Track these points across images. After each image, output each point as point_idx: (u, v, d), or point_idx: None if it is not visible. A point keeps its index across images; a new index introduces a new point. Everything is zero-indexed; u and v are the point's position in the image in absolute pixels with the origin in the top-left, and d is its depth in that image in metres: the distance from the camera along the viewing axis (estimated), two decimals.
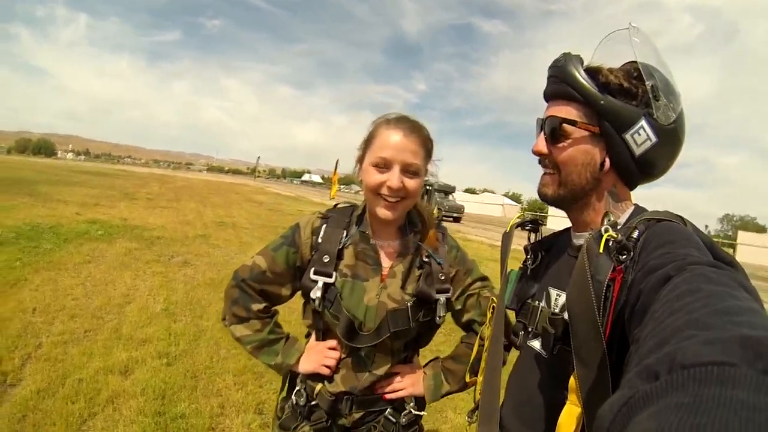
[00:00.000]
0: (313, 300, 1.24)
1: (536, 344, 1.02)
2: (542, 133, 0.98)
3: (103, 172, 32.04)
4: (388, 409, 1.34)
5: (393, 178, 1.18)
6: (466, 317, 1.39)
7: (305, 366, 1.32)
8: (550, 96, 0.99)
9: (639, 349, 0.47)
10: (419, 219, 1.38)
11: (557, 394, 0.90)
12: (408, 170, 1.20)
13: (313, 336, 1.37)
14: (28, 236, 7.23)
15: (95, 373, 3.15)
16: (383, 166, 1.18)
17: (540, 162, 1.01)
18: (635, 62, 0.89)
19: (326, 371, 1.29)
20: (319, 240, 1.29)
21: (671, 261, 0.64)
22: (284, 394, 1.41)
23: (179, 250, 7.74)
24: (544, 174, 1.00)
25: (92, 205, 12.10)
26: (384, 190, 1.19)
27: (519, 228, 1.17)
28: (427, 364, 1.43)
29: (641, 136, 0.87)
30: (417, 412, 1.38)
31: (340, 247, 1.28)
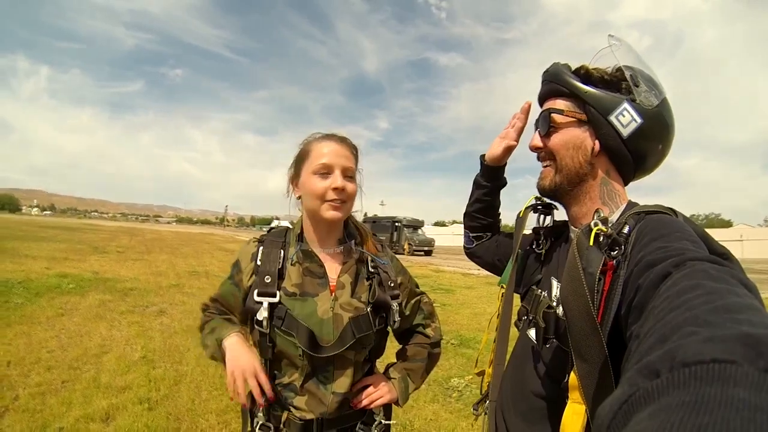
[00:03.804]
0: (260, 322, 1.23)
1: (532, 334, 1.04)
2: (536, 130, 1.06)
3: (71, 226, 31.35)
4: (359, 424, 1.35)
5: (336, 179, 1.25)
6: (413, 322, 1.49)
7: (230, 355, 1.24)
8: (542, 97, 1.06)
9: (639, 345, 0.48)
10: (356, 231, 1.43)
11: (553, 391, 0.93)
12: (346, 174, 1.27)
13: (255, 351, 1.31)
14: None
15: (75, 421, 3.13)
16: (325, 171, 1.25)
17: (538, 158, 1.08)
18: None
19: (234, 389, 1.22)
20: (258, 263, 1.31)
21: (669, 256, 0.64)
22: (249, 429, 1.34)
23: (154, 300, 7.67)
24: (543, 169, 1.06)
25: (61, 259, 11.86)
26: (330, 194, 1.24)
27: (532, 211, 1.21)
28: (386, 371, 1.46)
29: (626, 117, 0.91)
30: (386, 422, 1.42)
31: (280, 266, 1.29)
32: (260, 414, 1.29)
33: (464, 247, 1.54)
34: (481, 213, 1.41)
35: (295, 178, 1.35)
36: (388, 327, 1.38)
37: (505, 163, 1.34)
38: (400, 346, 1.55)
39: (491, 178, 1.36)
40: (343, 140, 1.32)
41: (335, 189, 1.24)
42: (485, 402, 1.23)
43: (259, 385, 1.22)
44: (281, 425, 1.28)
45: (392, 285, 1.37)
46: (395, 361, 1.51)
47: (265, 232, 1.43)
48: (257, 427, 1.29)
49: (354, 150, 1.35)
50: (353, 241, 1.39)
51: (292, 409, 1.27)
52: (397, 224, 31.29)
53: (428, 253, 28.63)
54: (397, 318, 1.35)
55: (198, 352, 4.73)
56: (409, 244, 29.85)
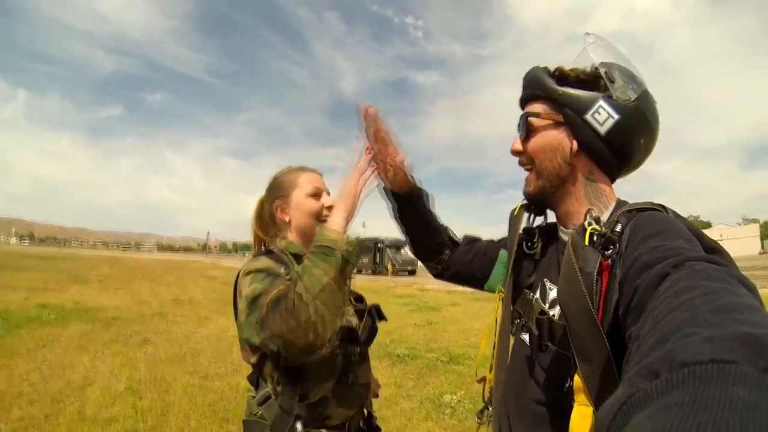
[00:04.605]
0: None
1: (526, 338, 1.01)
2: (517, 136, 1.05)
3: (50, 255, 30.72)
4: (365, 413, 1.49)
5: (327, 199, 1.48)
6: None
7: (344, 194, 1.22)
8: (522, 102, 1.06)
9: (639, 346, 0.48)
10: None
11: (554, 396, 0.92)
12: (329, 195, 1.51)
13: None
14: None
15: None
16: (317, 194, 1.46)
17: (519, 163, 1.07)
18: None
19: (368, 171, 1.25)
20: (284, 272, 1.30)
21: (667, 256, 0.63)
22: None
23: (138, 329, 7.52)
24: (527, 175, 1.06)
25: (41, 290, 11.60)
26: (324, 212, 1.44)
27: (525, 210, 1.17)
28: None
29: (602, 115, 0.90)
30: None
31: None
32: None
33: (433, 275, 1.43)
34: (420, 238, 1.37)
35: (282, 204, 1.47)
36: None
37: (407, 185, 1.30)
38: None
39: (395, 201, 1.33)
40: (315, 170, 1.56)
41: (328, 207, 1.44)
42: (488, 410, 1.20)
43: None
44: None
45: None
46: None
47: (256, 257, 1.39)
48: None
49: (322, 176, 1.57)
50: None
51: (326, 420, 1.30)
52: (379, 245, 31.24)
53: (412, 272, 28.55)
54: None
55: (185, 381, 4.67)
56: (392, 264, 29.78)
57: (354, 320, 1.41)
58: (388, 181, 1.30)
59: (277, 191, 1.49)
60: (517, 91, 1.07)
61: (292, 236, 1.46)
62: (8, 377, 4.61)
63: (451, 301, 12.34)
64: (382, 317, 1.54)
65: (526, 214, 1.15)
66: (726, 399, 0.29)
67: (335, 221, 1.19)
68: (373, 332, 1.47)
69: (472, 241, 1.38)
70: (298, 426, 1.22)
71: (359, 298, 1.56)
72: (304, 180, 1.48)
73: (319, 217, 1.44)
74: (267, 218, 1.51)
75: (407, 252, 32.44)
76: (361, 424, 1.44)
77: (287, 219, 1.46)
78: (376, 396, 1.58)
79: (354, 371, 1.39)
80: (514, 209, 1.19)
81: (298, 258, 1.36)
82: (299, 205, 1.45)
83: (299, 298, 1.07)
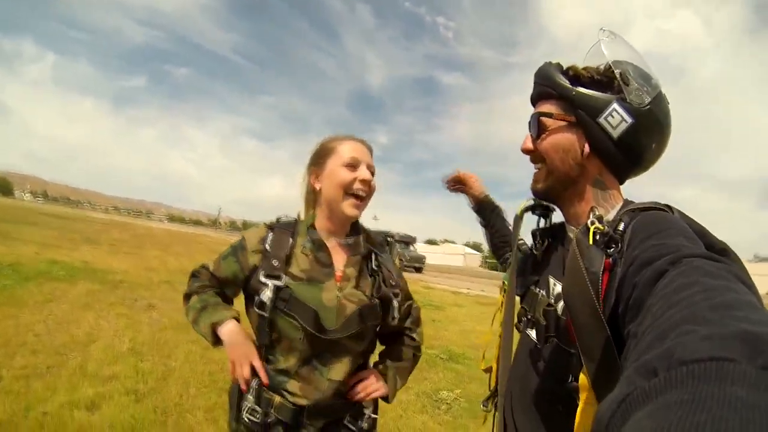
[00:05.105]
0: (262, 304, 1.25)
1: (533, 334, 1.04)
2: (528, 134, 1.05)
3: (63, 215, 31.12)
4: (347, 417, 1.37)
5: (363, 172, 1.35)
6: (403, 324, 1.53)
7: (230, 343, 1.30)
8: (534, 99, 1.06)
9: (637, 344, 0.48)
10: (363, 230, 1.48)
11: (556, 390, 0.93)
12: (369, 170, 1.38)
13: (250, 334, 1.35)
14: None
15: (60, 407, 3.07)
16: (353, 165, 1.34)
17: (530, 161, 1.07)
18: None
19: (241, 374, 1.28)
20: (267, 247, 1.34)
21: (665, 253, 0.63)
22: (234, 413, 1.36)
23: (144, 294, 7.57)
24: (535, 172, 1.06)
25: (53, 246, 11.71)
26: (357, 185, 1.33)
27: (529, 212, 1.21)
28: (376, 367, 1.50)
29: (615, 118, 0.90)
30: (375, 416, 1.45)
31: (288, 253, 1.33)
32: (250, 397, 1.30)
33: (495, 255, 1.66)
34: (498, 240, 1.60)
35: (317, 171, 1.40)
36: (390, 321, 1.41)
37: (482, 198, 1.68)
38: (383, 346, 1.60)
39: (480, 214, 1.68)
40: (364, 141, 1.43)
41: (362, 181, 1.33)
42: (494, 398, 1.23)
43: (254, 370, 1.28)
44: (271, 409, 1.28)
45: (393, 284, 1.43)
46: (381, 359, 1.55)
47: (274, 220, 1.46)
48: (245, 411, 1.29)
49: (372, 150, 1.44)
50: (361, 237, 1.45)
51: (285, 393, 1.29)
52: (389, 239, 31.24)
53: (419, 269, 28.66)
54: (396, 315, 1.40)
55: (187, 348, 4.68)
56: (400, 259, 29.65)
57: (331, 305, 1.30)
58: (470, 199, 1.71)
59: (314, 157, 1.42)
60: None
61: (320, 210, 1.41)
62: (15, 326, 4.66)
63: (455, 302, 12.27)
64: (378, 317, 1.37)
65: (529, 215, 1.20)
66: (725, 398, 0.29)
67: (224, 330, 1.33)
68: (352, 327, 1.30)
69: None
70: (254, 382, 1.29)
71: (388, 295, 1.38)
72: (344, 148, 1.36)
73: (348, 190, 1.33)
74: (308, 188, 1.45)
75: (415, 249, 32.85)
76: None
77: (318, 187, 1.39)
78: (355, 401, 1.37)
79: (324, 362, 1.30)
80: (518, 211, 1.22)
81: (313, 233, 1.38)
82: (330, 173, 1.35)
83: (186, 300, 1.43)
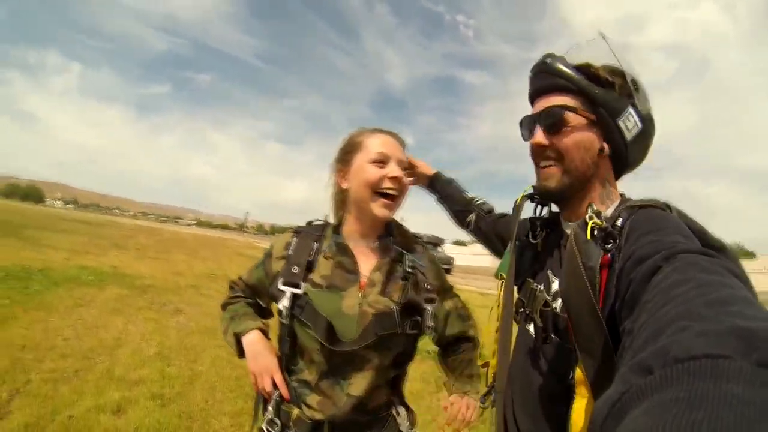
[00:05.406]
0: (281, 311, 1.21)
1: (531, 328, 1.04)
2: (537, 126, 0.99)
3: (92, 221, 31.85)
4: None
5: (393, 169, 1.22)
6: (453, 331, 1.41)
7: (250, 354, 1.27)
8: (540, 92, 1.01)
9: (633, 341, 0.48)
10: (398, 230, 1.37)
11: (557, 387, 0.92)
12: (400, 166, 1.25)
13: (277, 349, 1.30)
14: (17, 277, 7.10)
15: (86, 411, 3.05)
16: (382, 161, 1.22)
17: (536, 157, 1.03)
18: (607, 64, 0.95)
19: (262, 388, 1.25)
20: (290, 252, 1.28)
21: (660, 250, 0.63)
22: (260, 424, 1.28)
23: (171, 298, 7.61)
24: (544, 168, 1.01)
25: (82, 252, 11.94)
26: (386, 183, 1.21)
27: (529, 200, 1.16)
28: (454, 385, 1.41)
29: (630, 122, 0.92)
30: (411, 431, 1.33)
31: (311, 258, 1.25)
32: (270, 408, 1.25)
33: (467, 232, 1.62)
34: (457, 208, 1.62)
35: (344, 169, 1.29)
36: (425, 329, 1.28)
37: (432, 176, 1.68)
38: (442, 351, 1.51)
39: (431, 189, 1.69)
40: (394, 134, 1.31)
41: (392, 178, 1.21)
42: (491, 394, 1.20)
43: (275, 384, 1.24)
44: (290, 422, 1.22)
45: (428, 288, 1.31)
46: (448, 370, 1.47)
47: (303, 224, 1.39)
48: (265, 422, 1.25)
49: (404, 145, 1.33)
50: (391, 239, 1.33)
51: (303, 407, 1.22)
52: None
53: (447, 271, 28.24)
54: (430, 323, 1.27)
55: (214, 353, 4.65)
56: None
57: (352, 313, 1.19)
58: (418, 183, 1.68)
59: (340, 154, 1.31)
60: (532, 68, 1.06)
61: (349, 211, 1.30)
62: (44, 330, 4.69)
63: (483, 304, 11.84)
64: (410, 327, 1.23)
65: (529, 204, 1.17)
66: (720, 395, 0.29)
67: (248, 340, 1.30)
68: (369, 337, 1.17)
69: (502, 216, 1.47)
70: (275, 393, 1.25)
71: (416, 300, 1.25)
72: (372, 142, 1.24)
73: (377, 189, 1.21)
74: (335, 188, 1.34)
75: (444, 250, 32.70)
76: None
77: (345, 187, 1.28)
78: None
79: (344, 375, 1.20)
80: (517, 199, 1.19)
81: (337, 230, 1.32)
82: (357, 170, 1.23)
83: (222, 310, 1.43)
